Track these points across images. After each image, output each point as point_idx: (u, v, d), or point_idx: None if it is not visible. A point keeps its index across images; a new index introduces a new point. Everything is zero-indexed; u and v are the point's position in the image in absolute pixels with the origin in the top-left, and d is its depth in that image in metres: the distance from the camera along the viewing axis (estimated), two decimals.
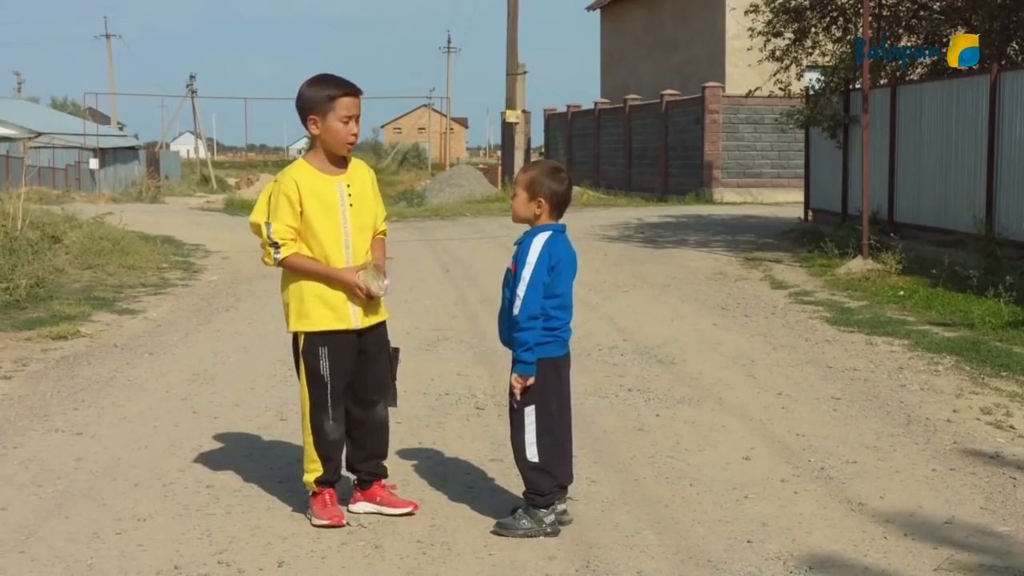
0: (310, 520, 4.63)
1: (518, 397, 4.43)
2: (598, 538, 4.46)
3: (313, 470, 4.63)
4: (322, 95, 4.53)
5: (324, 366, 4.55)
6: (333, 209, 4.56)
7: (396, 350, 4.82)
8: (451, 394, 7.03)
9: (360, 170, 4.75)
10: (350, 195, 4.62)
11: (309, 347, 4.57)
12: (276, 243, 4.51)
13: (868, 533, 4.52)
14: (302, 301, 4.57)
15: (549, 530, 4.47)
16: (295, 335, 4.65)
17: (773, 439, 5.96)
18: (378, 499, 4.76)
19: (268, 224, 4.51)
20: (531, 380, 4.39)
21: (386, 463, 4.86)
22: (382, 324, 4.74)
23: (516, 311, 4.36)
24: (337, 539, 4.46)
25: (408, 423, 6.24)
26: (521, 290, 4.36)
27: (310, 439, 4.62)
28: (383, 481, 4.81)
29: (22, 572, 4.13)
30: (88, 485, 5.15)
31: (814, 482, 5.20)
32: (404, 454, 5.61)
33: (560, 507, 4.57)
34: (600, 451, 5.72)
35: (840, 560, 4.24)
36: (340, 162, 4.65)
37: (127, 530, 4.55)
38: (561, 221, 4.55)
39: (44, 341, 8.74)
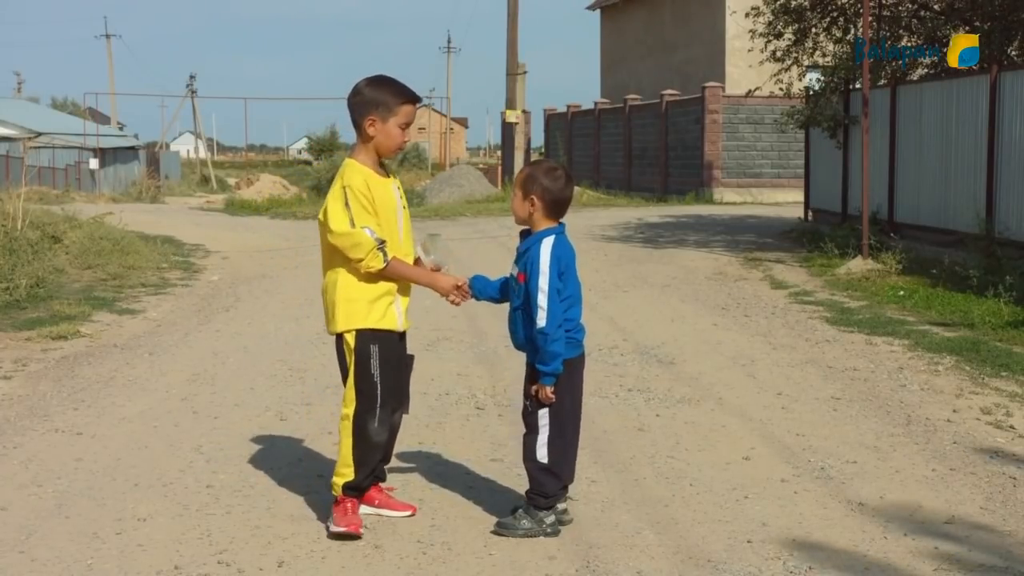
0: (327, 527, 4.53)
1: (547, 404, 4.43)
2: (598, 538, 4.46)
3: (344, 475, 4.53)
4: (387, 98, 4.47)
5: (375, 365, 4.47)
6: (392, 211, 4.52)
7: (411, 357, 4.78)
8: (451, 394, 7.03)
9: (394, 175, 4.73)
10: (401, 197, 4.64)
11: (360, 345, 4.46)
12: (383, 242, 4.39)
13: (868, 533, 4.52)
14: (351, 302, 4.46)
15: (549, 530, 4.47)
16: (342, 336, 4.51)
17: (773, 439, 5.96)
18: (376, 502, 4.72)
19: (367, 228, 4.36)
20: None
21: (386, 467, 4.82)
22: (405, 332, 4.70)
23: (542, 323, 4.33)
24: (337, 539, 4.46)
25: (408, 423, 6.21)
26: (543, 302, 4.33)
27: (348, 442, 4.50)
28: (381, 484, 4.77)
29: (22, 572, 4.13)
30: (88, 485, 5.15)
31: (814, 482, 5.20)
32: (404, 454, 5.61)
33: (560, 506, 4.57)
34: (600, 451, 5.72)
35: (840, 560, 4.24)
36: (383, 165, 4.61)
37: (127, 530, 4.55)
38: (561, 221, 4.51)
39: (44, 341, 8.74)
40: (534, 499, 4.48)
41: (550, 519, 4.48)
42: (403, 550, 4.34)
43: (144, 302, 11.09)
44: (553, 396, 4.41)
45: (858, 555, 4.29)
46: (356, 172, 4.45)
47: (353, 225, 4.36)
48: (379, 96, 4.47)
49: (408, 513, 4.70)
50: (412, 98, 4.54)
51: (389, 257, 4.41)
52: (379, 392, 4.48)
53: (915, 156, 14.79)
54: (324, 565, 4.20)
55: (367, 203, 4.39)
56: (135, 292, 11.72)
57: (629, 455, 5.65)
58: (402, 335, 4.64)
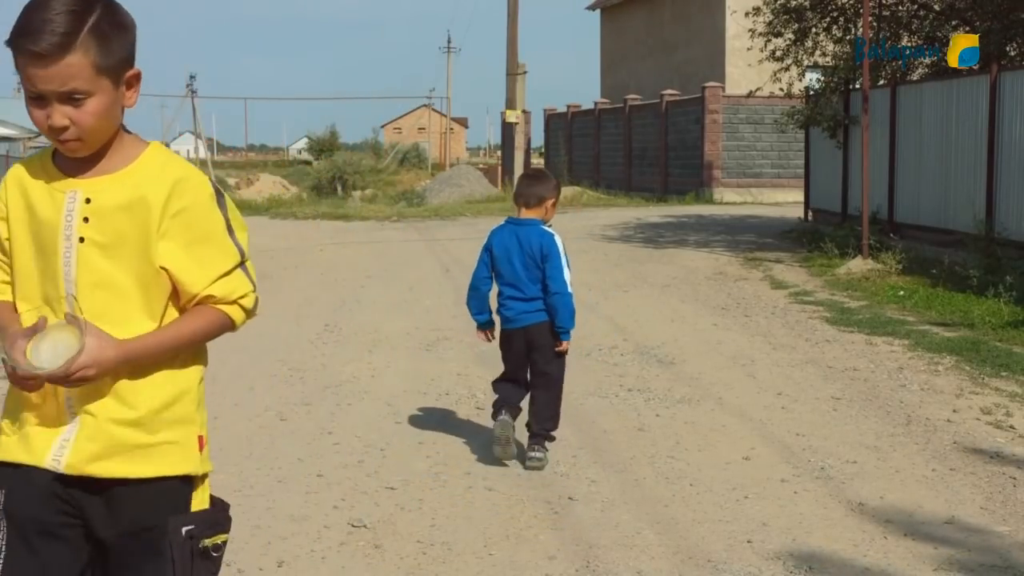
0: None
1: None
2: (598, 538, 4.46)
3: None
4: (11, 44, 2.20)
5: None
6: (47, 236, 2.30)
7: (200, 542, 2.57)
8: (451, 394, 7.03)
9: (145, 179, 2.29)
10: (86, 219, 2.27)
11: None
12: None
13: (868, 533, 4.52)
14: None
15: (492, 429, 5.49)
16: None
17: (773, 439, 5.97)
18: None
19: None
20: (487, 333, 5.69)
21: None
22: (155, 484, 2.40)
23: None
24: (337, 539, 4.46)
25: (408, 423, 6.25)
26: None
27: None
28: None
29: None
30: None
31: (814, 482, 5.21)
32: (404, 454, 5.61)
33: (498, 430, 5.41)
34: (600, 451, 5.72)
35: (840, 560, 4.24)
36: (99, 155, 2.30)
37: None
38: (527, 215, 5.67)
39: None
40: None
41: (494, 423, 5.45)
42: (403, 550, 4.34)
43: None
44: (484, 336, 5.71)
45: (858, 555, 4.29)
46: (18, 164, 2.42)
47: None
48: (10, 36, 2.22)
49: None
50: (29, 47, 2.14)
51: None
52: None
53: (915, 156, 14.79)
54: (324, 565, 4.20)
55: None
56: None
57: (629, 455, 5.65)
58: (108, 488, 2.34)
